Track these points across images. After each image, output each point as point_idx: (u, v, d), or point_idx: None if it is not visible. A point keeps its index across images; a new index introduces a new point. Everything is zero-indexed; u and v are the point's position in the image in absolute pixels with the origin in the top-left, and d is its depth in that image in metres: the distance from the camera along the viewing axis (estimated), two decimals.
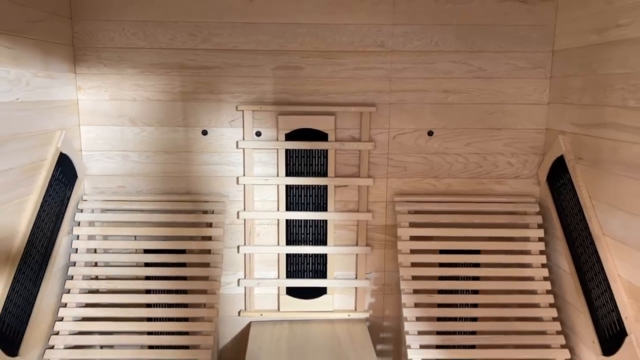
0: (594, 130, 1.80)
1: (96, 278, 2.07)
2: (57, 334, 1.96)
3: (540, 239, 2.11)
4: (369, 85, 2.14)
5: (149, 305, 2.08)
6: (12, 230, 1.68)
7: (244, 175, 2.19)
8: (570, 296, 1.98)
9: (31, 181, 1.77)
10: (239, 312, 2.28)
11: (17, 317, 1.70)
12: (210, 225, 2.14)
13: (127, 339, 2.01)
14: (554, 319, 2.00)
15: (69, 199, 2.02)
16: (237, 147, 2.17)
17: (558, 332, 1.97)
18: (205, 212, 2.16)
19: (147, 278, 2.09)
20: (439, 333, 2.02)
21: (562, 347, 1.95)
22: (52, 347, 1.93)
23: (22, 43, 1.69)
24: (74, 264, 2.06)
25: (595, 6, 1.79)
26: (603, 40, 1.75)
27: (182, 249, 2.12)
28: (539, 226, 2.13)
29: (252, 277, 2.26)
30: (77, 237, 2.08)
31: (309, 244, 2.25)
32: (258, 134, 2.17)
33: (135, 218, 2.13)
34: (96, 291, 2.09)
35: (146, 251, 2.12)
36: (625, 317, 1.62)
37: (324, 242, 2.25)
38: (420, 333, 1.99)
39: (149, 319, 2.03)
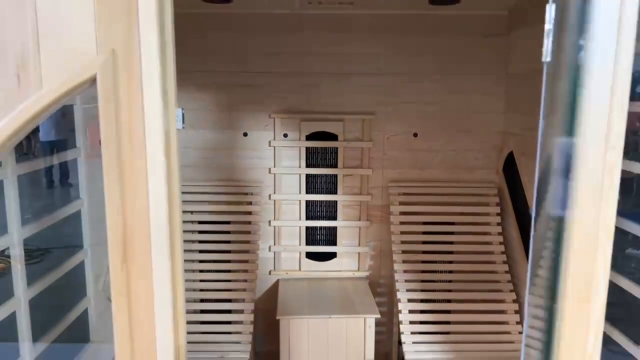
0: (532, 132, 2.50)
1: None
2: None
3: (497, 214, 2.81)
4: (369, 98, 2.84)
5: (201, 262, 2.77)
6: None
7: (274, 166, 2.89)
8: (517, 255, 2.68)
9: None
10: (270, 272, 2.98)
11: None
12: (250, 203, 2.84)
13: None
14: (506, 272, 2.70)
15: None
16: (269, 145, 2.87)
17: (508, 281, 2.68)
18: (245, 194, 2.86)
19: (200, 242, 2.79)
20: (422, 281, 2.71)
21: (510, 291, 2.65)
22: None
23: None
24: None
25: (535, 44, 2.50)
26: (539, 67, 2.45)
27: (228, 220, 2.81)
28: (497, 204, 2.83)
29: (280, 245, 2.96)
30: None
31: (323, 219, 2.95)
32: (285, 135, 2.87)
33: (191, 198, 2.82)
34: None
35: (200, 222, 2.82)
36: None
37: (334, 218, 2.95)
38: (407, 281, 2.69)
39: (201, 272, 2.73)
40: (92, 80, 0.90)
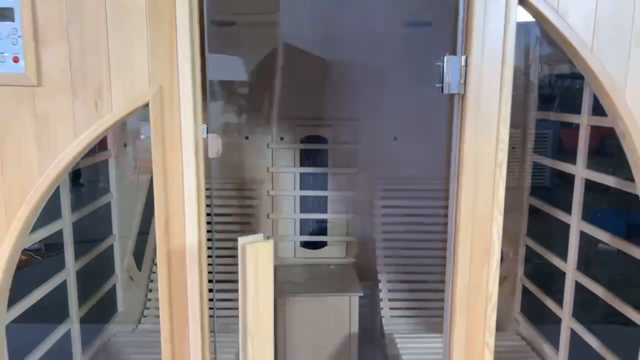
0: None
1: None
2: None
3: None
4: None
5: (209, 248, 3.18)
6: None
7: (272, 166, 3.30)
8: None
9: None
10: None
11: None
12: (250, 198, 3.26)
13: None
14: None
15: None
16: (267, 147, 3.29)
17: None
18: (246, 190, 3.28)
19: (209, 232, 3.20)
20: (401, 265, 3.11)
21: None
22: None
23: None
24: None
25: None
26: None
27: (230, 213, 3.21)
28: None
29: (277, 234, 3.37)
30: None
31: (315, 212, 3.37)
32: (282, 138, 3.29)
33: None
34: None
35: (208, 214, 3.22)
36: None
37: (325, 211, 3.37)
38: (386, 265, 3.11)
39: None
40: (146, 105, 1.31)
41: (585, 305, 2.11)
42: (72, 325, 2.05)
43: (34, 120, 1.31)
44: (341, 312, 2.96)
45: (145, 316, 2.83)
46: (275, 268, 3.37)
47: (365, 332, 3.01)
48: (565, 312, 2.11)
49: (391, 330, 2.77)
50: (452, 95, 1.33)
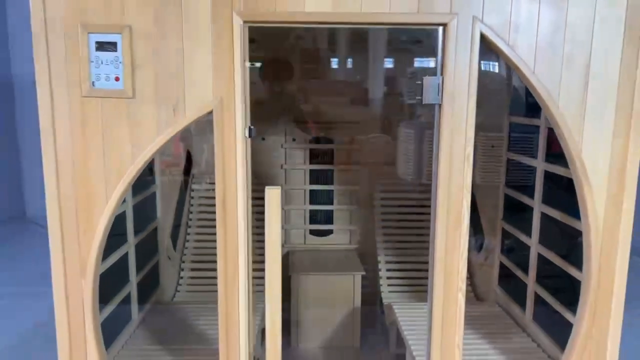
0: None
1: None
2: None
3: None
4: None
5: None
6: None
7: (285, 163, 3.79)
8: None
9: None
10: (282, 245, 3.87)
11: None
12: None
13: None
14: None
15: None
16: (281, 147, 3.77)
17: None
18: (262, 184, 3.75)
19: None
20: (397, 249, 3.61)
21: None
22: None
23: None
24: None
25: None
26: None
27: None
28: None
29: (289, 223, 3.86)
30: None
31: (322, 204, 3.86)
32: (293, 139, 3.78)
33: None
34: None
35: None
36: None
37: (331, 203, 3.85)
38: (385, 248, 3.59)
39: None
40: (210, 112, 1.80)
41: (547, 271, 2.60)
42: (132, 289, 2.53)
43: (128, 122, 1.80)
44: (346, 288, 3.45)
45: (179, 291, 3.32)
46: (288, 253, 3.88)
47: (366, 305, 3.51)
48: (530, 279, 2.60)
49: (389, 301, 3.25)
50: (432, 105, 1.82)
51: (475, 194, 3.43)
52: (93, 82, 1.78)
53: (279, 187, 1.80)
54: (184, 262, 3.42)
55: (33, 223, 6.89)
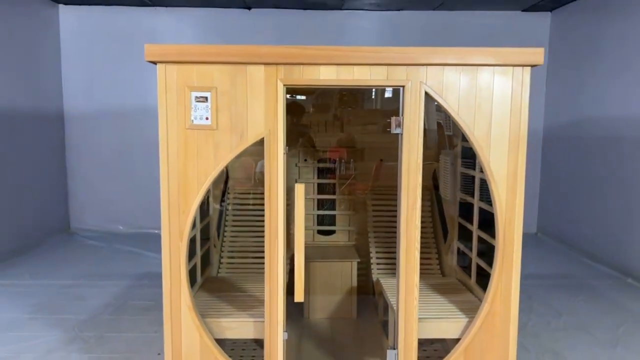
0: None
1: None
2: None
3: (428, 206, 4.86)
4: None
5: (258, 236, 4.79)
6: None
7: (299, 177, 4.95)
8: (435, 222, 4.72)
9: None
10: None
11: None
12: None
13: None
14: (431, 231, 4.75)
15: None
16: (295, 166, 4.94)
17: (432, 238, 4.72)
18: None
19: (257, 222, 4.82)
20: (385, 242, 4.74)
21: (433, 241, 4.69)
22: None
23: None
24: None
25: None
26: None
27: None
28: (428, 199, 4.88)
29: None
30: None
31: (327, 209, 5.00)
32: (305, 160, 4.95)
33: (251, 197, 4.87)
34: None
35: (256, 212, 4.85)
36: None
37: (334, 209, 5.00)
38: (376, 243, 4.72)
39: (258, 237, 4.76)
40: (262, 140, 2.98)
41: (484, 248, 3.73)
42: (197, 260, 3.68)
43: (213, 144, 2.97)
44: (345, 272, 4.58)
45: (220, 270, 4.45)
46: None
47: (361, 285, 4.63)
48: (473, 253, 3.74)
49: (377, 278, 4.38)
50: (398, 134, 3.00)
51: (440, 201, 4.58)
52: (192, 119, 2.96)
53: (304, 183, 2.95)
54: (222, 250, 4.56)
55: (76, 234, 8.04)
